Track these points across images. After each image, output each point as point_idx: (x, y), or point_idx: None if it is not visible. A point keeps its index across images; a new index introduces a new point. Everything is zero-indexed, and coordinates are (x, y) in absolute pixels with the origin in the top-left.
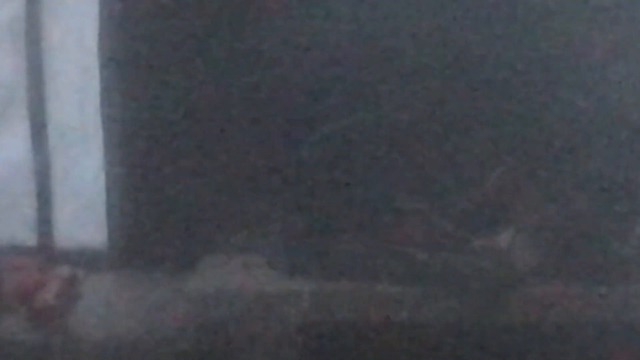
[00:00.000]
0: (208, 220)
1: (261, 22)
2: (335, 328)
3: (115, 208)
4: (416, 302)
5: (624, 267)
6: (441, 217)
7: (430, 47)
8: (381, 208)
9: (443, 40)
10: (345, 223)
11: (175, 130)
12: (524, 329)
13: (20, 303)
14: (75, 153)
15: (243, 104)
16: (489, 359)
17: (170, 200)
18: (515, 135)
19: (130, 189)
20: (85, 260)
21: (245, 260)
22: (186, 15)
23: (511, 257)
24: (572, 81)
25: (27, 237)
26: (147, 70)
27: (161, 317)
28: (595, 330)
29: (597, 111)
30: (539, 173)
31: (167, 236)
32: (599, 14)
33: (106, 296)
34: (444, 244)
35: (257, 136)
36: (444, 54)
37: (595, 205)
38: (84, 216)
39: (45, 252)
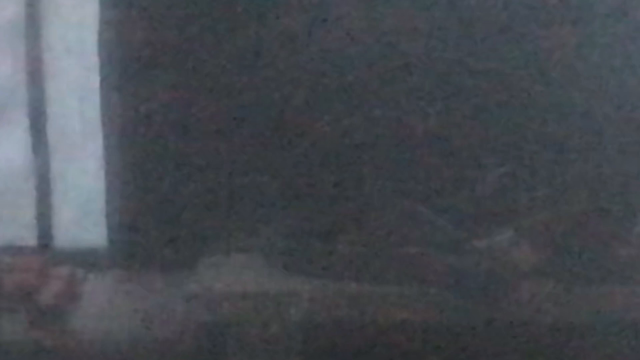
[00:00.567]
0: (208, 220)
1: (261, 22)
2: (335, 328)
3: (115, 208)
4: (416, 302)
5: (624, 267)
6: (441, 217)
7: (431, 48)
8: (381, 208)
9: (443, 41)
10: (345, 223)
11: (175, 131)
12: (522, 329)
13: (20, 303)
14: (75, 153)
15: (243, 104)
16: (488, 358)
17: (170, 200)
18: (515, 135)
19: (130, 189)
20: (85, 260)
21: (245, 260)
22: (186, 16)
23: (511, 257)
24: (571, 83)
25: (27, 237)
26: (147, 70)
27: (161, 317)
28: (595, 330)
29: (597, 112)
30: (539, 173)
31: (167, 236)
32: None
33: (106, 296)
34: (444, 244)
35: (257, 136)
36: (445, 55)
37: (595, 205)
38: (83, 216)
39: (45, 252)
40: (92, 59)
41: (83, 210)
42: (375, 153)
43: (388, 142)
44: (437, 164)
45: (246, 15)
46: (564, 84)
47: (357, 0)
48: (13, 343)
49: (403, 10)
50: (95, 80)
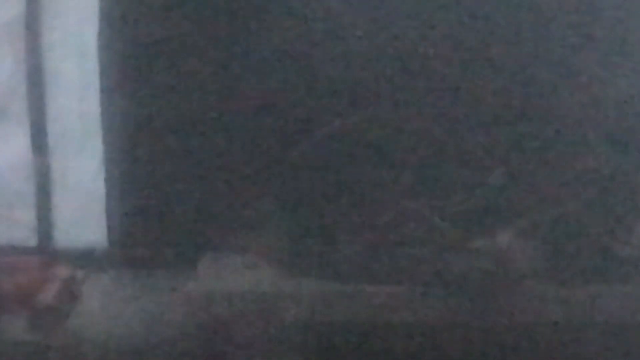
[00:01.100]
0: (208, 220)
1: (262, 22)
2: (335, 328)
3: (115, 208)
4: (416, 302)
5: (623, 268)
6: (441, 217)
7: (431, 47)
8: (381, 208)
9: (443, 41)
10: (345, 223)
11: (175, 130)
12: (523, 329)
13: (20, 303)
14: (75, 153)
15: (244, 104)
16: (488, 359)
17: (170, 200)
18: (515, 135)
19: (130, 189)
20: (85, 260)
21: (245, 260)
22: (187, 16)
23: (511, 257)
24: (571, 81)
25: (27, 237)
26: (147, 71)
27: (161, 317)
28: (595, 330)
29: (597, 111)
30: (539, 173)
31: (167, 236)
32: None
33: (106, 296)
34: (444, 244)
35: (257, 136)
36: (445, 55)
37: (594, 205)
38: (83, 216)
39: (45, 252)
40: (92, 59)
41: (83, 210)
42: (375, 153)
43: (388, 142)
44: (437, 163)
45: (247, 15)
46: (564, 84)
47: (357, 0)
48: (13, 343)
49: (405, 11)
50: (95, 80)
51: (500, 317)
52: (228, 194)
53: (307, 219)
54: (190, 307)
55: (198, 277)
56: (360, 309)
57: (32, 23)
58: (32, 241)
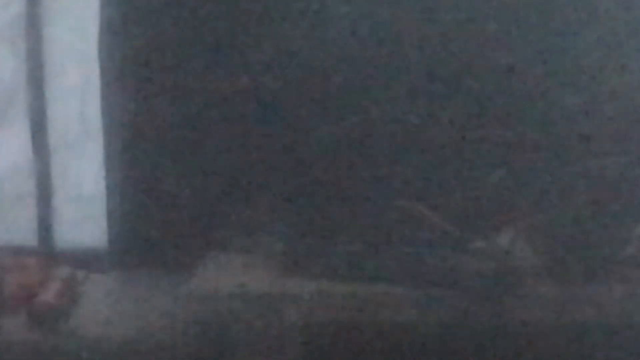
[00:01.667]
0: (208, 220)
1: (262, 22)
2: (335, 328)
3: (115, 208)
4: (416, 302)
5: (623, 268)
6: (441, 217)
7: (430, 48)
8: (381, 208)
9: (443, 41)
10: (345, 223)
11: (175, 131)
12: (523, 329)
13: (20, 303)
14: (75, 153)
15: (243, 105)
16: (488, 359)
17: (170, 201)
18: (515, 135)
19: (130, 189)
20: (85, 260)
21: (245, 260)
22: (187, 16)
23: (511, 257)
24: (572, 81)
25: (27, 237)
26: (147, 71)
27: (161, 317)
28: (595, 330)
29: (597, 111)
30: (539, 173)
31: (167, 236)
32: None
33: (106, 296)
34: (444, 244)
35: (257, 136)
36: (445, 55)
37: (594, 205)
38: (84, 216)
39: (45, 252)
40: (93, 59)
41: (83, 210)
42: (374, 153)
43: (387, 142)
44: (437, 163)
45: (246, 15)
46: (564, 84)
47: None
48: (13, 343)
49: (405, 11)
50: (95, 81)
51: (501, 316)
52: (228, 194)
53: (307, 219)
54: (190, 307)
55: (198, 277)
56: (360, 309)
57: (32, 23)
58: (32, 241)
